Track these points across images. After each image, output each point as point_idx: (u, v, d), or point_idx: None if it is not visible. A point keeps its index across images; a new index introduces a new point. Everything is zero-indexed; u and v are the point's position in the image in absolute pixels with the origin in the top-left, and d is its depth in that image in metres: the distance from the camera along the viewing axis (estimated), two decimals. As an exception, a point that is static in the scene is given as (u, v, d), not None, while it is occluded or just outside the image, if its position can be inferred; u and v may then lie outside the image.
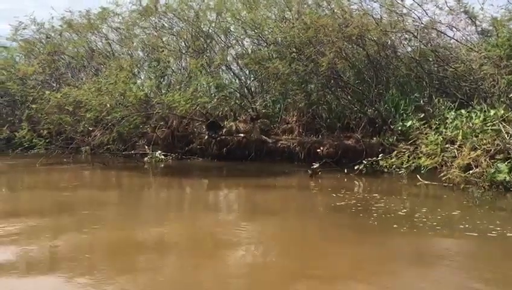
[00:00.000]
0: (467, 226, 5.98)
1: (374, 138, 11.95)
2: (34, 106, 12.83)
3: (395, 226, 6.01)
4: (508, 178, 8.02)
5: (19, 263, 4.77)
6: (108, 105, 11.90)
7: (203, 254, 5.13)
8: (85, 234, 5.79)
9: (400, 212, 6.77)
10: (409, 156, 10.07)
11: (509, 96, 10.75)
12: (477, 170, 8.46)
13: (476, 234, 5.65)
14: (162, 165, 13.08)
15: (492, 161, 8.50)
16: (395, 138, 11.53)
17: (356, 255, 4.98)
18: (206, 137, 13.85)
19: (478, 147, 8.85)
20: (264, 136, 13.27)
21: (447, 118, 10.57)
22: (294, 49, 12.60)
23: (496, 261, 4.84)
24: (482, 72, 11.11)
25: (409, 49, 13.68)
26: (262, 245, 5.51)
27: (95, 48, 16.13)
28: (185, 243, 5.60)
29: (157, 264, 4.73)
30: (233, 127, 13.55)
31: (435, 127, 10.44)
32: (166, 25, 15.26)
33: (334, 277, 4.40)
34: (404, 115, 11.96)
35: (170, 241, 5.69)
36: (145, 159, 13.37)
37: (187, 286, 4.21)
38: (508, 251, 5.23)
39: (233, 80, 15.18)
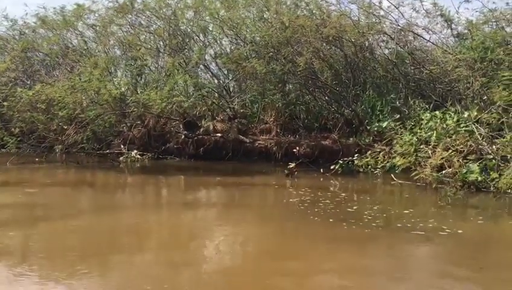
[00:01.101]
0: (408, 225, 5.95)
1: (351, 139, 12.01)
2: (5, 103, 12.50)
3: (330, 220, 6.13)
4: (479, 178, 8.12)
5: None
6: (84, 104, 11.69)
7: (178, 248, 5.11)
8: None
9: (349, 209, 6.88)
10: (384, 156, 10.12)
11: (483, 98, 10.91)
12: (450, 170, 8.55)
13: (422, 233, 5.61)
14: (138, 165, 12.89)
15: (465, 161, 8.61)
16: (371, 138, 11.62)
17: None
18: (183, 137, 13.71)
19: (451, 148, 8.95)
20: (241, 136, 13.19)
21: (422, 119, 10.67)
22: (271, 49, 12.57)
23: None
24: (456, 75, 11.25)
25: (386, 51, 13.81)
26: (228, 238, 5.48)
27: (70, 46, 15.81)
28: (160, 240, 5.53)
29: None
30: (211, 127, 13.43)
31: (410, 127, 10.54)
32: (143, 23, 15.05)
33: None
34: (381, 116, 12.07)
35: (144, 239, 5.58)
36: (121, 158, 13.14)
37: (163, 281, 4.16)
38: (442, 250, 5.27)
39: (212, 80, 15.07)
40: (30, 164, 12.17)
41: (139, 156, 13.29)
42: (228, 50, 14.50)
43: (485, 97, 10.84)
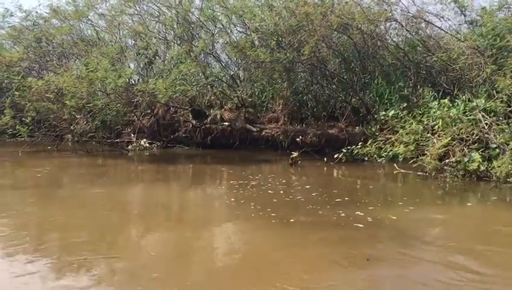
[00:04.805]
0: (343, 214, 5.76)
1: (357, 128, 11.88)
2: (17, 92, 12.77)
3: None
4: (482, 167, 7.95)
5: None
6: (99, 93, 11.80)
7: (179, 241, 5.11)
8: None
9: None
10: (388, 145, 9.98)
11: (494, 86, 10.62)
12: (453, 159, 8.39)
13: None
14: (147, 153, 13.05)
15: (469, 150, 8.43)
16: (378, 127, 11.46)
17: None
18: (191, 126, 13.80)
19: (456, 137, 8.77)
20: (248, 125, 13.20)
21: (431, 107, 10.48)
22: (278, 37, 12.47)
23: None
24: (462, 63, 11.00)
25: (396, 38, 13.56)
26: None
27: (82, 36, 16.01)
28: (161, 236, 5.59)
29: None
30: (218, 116, 13.47)
31: (418, 116, 10.36)
32: (155, 12, 15.09)
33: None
34: (388, 105, 11.89)
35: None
36: (129, 147, 13.32)
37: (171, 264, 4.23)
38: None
39: (222, 70, 15.05)
40: (41, 152, 12.43)
41: (147, 145, 13.46)
42: (237, 39, 14.44)
43: (496, 85, 10.57)
